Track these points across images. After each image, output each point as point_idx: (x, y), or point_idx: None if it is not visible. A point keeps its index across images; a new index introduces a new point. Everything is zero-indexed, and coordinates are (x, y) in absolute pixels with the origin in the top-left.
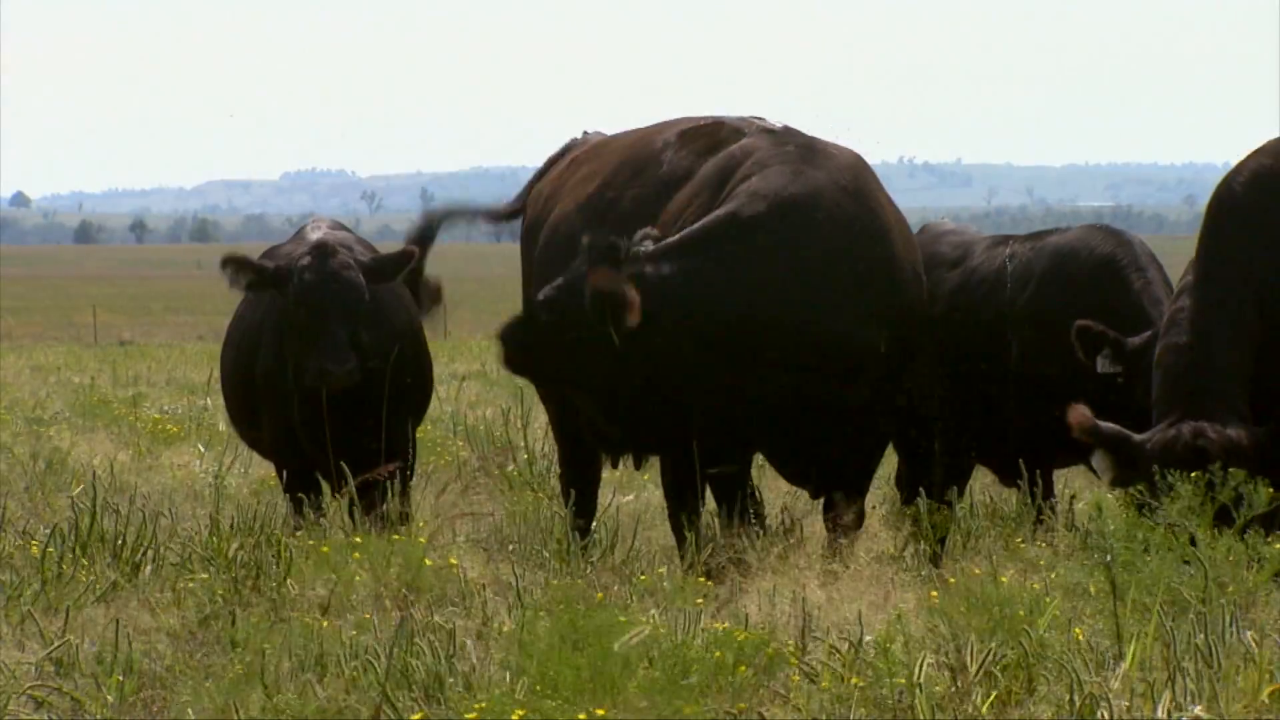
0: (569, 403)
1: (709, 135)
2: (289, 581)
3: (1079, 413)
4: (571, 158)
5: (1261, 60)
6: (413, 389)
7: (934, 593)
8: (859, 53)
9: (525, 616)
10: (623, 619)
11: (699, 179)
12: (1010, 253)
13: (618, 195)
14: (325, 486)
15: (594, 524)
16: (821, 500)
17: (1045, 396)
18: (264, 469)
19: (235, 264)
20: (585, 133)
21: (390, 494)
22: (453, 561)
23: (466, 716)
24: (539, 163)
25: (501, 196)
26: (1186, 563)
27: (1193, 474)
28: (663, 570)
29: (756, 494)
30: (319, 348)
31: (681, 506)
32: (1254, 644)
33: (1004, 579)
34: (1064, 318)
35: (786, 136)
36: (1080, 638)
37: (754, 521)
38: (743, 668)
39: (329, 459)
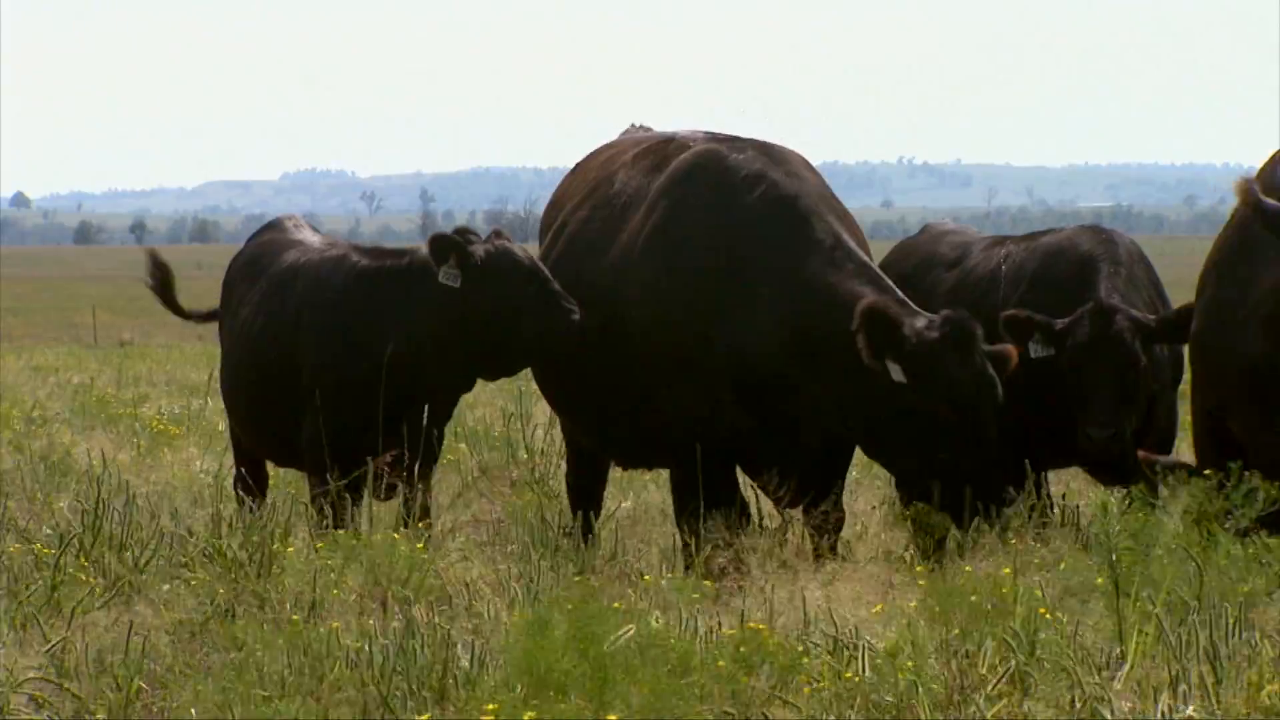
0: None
1: (657, 152)
2: (287, 581)
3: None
4: (577, 164)
5: (1262, 61)
6: None
7: (933, 596)
8: (859, 53)
9: (523, 614)
10: (617, 604)
11: (653, 194)
12: (1005, 253)
13: (588, 215)
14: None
15: (597, 525)
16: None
17: (1039, 397)
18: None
19: (444, 241)
20: (632, 125)
21: (416, 486)
22: (431, 559)
23: (483, 718)
24: (538, 163)
25: (502, 197)
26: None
27: (1206, 472)
28: (669, 575)
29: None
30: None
31: (686, 507)
32: (1256, 644)
33: (1004, 578)
34: (1054, 317)
35: (742, 141)
36: (1081, 638)
37: (746, 523)
38: (743, 649)
39: (378, 451)
